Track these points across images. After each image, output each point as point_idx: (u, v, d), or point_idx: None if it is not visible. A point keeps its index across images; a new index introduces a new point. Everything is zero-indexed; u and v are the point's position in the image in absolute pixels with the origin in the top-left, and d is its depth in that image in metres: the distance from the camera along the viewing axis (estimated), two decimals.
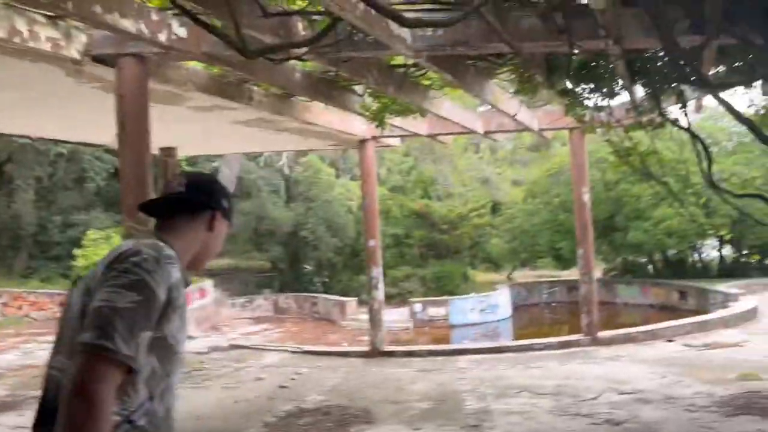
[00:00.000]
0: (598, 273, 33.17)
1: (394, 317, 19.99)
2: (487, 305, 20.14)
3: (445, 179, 25.85)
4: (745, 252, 23.72)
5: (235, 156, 22.37)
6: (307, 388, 8.99)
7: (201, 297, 21.46)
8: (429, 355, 10.93)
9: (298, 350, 11.97)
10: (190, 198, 1.72)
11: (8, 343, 14.60)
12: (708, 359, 9.72)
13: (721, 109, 8.88)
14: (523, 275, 32.43)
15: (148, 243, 1.55)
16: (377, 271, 11.27)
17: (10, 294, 18.82)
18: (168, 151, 11.03)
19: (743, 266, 23.43)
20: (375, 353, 11.17)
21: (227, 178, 21.97)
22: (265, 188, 25.35)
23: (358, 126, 10.41)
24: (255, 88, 7.56)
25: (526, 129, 12.27)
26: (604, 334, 11.56)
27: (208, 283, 22.35)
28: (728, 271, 23.90)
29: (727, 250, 25.32)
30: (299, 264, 27.11)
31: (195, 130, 9.86)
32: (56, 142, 13.59)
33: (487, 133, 11.19)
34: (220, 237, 1.82)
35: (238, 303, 24.07)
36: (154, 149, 11.52)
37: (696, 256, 25.22)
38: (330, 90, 7.52)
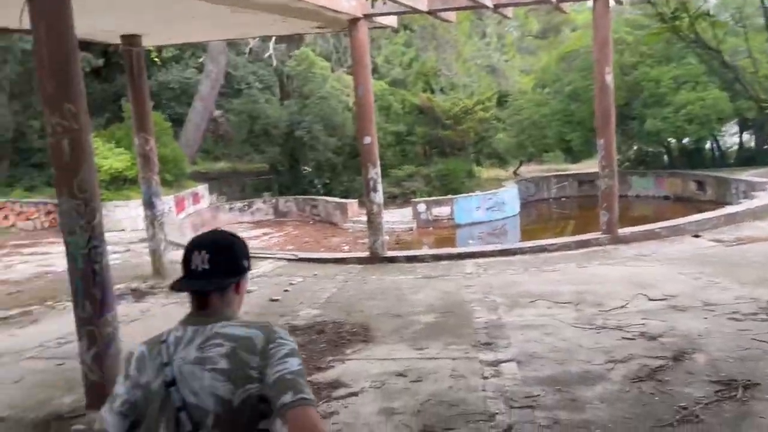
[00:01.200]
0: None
1: (397, 218, 19.14)
2: (493, 203, 19.18)
3: (449, 69, 24.00)
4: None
5: (220, 50, 20.64)
6: (301, 301, 8.19)
7: (195, 203, 20.58)
8: (433, 260, 10.06)
9: (293, 257, 11.14)
10: (219, 280, 1.76)
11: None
12: (743, 256, 8.78)
13: None
14: (530, 170, 31.32)
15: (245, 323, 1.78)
16: (375, 171, 10.17)
17: None
18: (130, 40, 9.60)
19: (765, 153, 22.15)
20: (375, 259, 10.31)
21: (213, 75, 20.39)
22: (257, 85, 23.71)
23: (347, 2, 8.90)
24: None
25: (543, 1, 10.69)
26: (624, 231, 10.62)
27: (201, 188, 21.40)
28: (748, 159, 22.67)
29: (747, 137, 23.92)
30: (298, 165, 25.99)
31: (159, 13, 8.40)
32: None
33: (497, 7, 9.64)
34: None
35: (237, 207, 23.24)
36: (114, 38, 10.14)
37: (713, 144, 23.85)
38: None
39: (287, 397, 1.58)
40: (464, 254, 10.20)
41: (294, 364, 1.66)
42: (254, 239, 18.72)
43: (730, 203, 17.91)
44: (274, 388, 1.62)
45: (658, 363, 4.96)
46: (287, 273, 10.11)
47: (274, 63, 23.88)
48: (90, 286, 4.60)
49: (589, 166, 32.23)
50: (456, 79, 24.63)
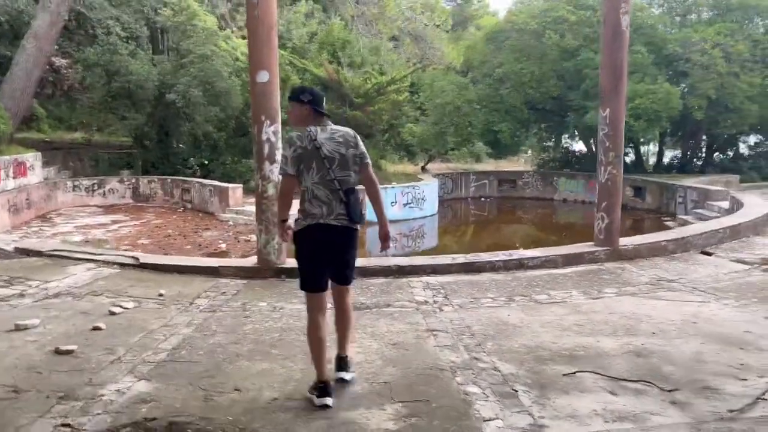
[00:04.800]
0: (526, 165, 29.90)
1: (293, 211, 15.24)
2: (411, 198, 15.85)
3: (368, 27, 20.30)
4: (702, 143, 20.80)
5: None
6: (117, 355, 4.20)
7: (18, 175, 15.34)
8: (360, 274, 6.34)
9: (132, 261, 6.95)
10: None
11: None
12: None
13: None
14: (436, 168, 28.54)
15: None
16: (272, 129, 6.33)
17: None
18: None
19: (689, 163, 20.65)
20: (266, 271, 6.47)
21: (52, 7, 15.26)
22: (118, 31, 18.63)
23: None
24: None
25: None
26: (625, 242, 7.56)
27: (30, 156, 16.09)
28: (667, 168, 21.16)
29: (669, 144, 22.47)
30: (169, 139, 21.20)
31: None
32: None
33: None
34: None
35: (83, 185, 18.15)
36: None
37: (632, 149, 22.15)
38: None
39: (367, 160, 3.60)
40: (407, 269, 6.59)
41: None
42: (96, 228, 14.04)
43: (674, 213, 15.85)
44: (355, 156, 3.55)
45: None
46: (113, 289, 5.98)
47: (145, 9, 18.93)
48: None
49: (502, 166, 30.20)
50: (366, 56, 20.93)
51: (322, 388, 3.39)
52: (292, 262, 6.63)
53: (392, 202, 15.39)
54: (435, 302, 5.64)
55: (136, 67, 17.89)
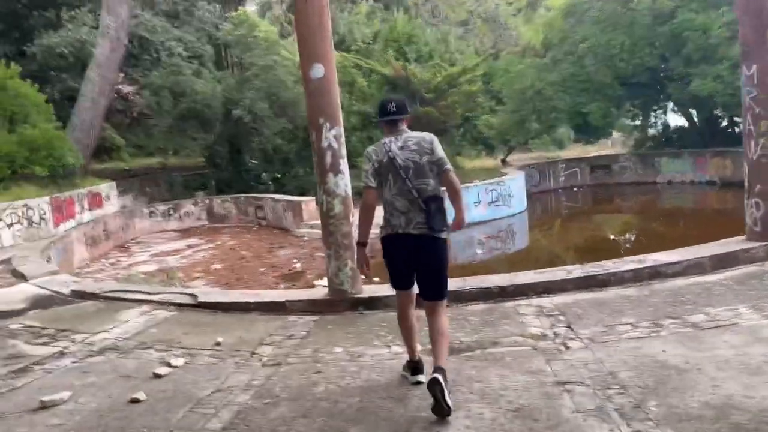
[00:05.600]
0: (615, 148, 27.48)
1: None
2: (497, 195, 14.46)
3: (434, 13, 19.06)
4: None
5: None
6: None
7: (94, 206, 15.21)
8: (453, 299, 5.11)
9: (191, 301, 6.07)
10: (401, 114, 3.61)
11: None
12: None
13: None
14: (517, 159, 26.78)
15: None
16: (333, 133, 5.25)
17: None
18: None
19: None
20: (339, 304, 5.40)
21: (111, 32, 15.05)
22: (181, 52, 18.38)
23: None
24: None
25: None
26: None
27: (105, 187, 15.99)
28: None
29: None
30: (241, 157, 20.83)
31: None
32: None
33: None
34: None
35: (159, 211, 17.98)
36: None
37: (729, 120, 19.50)
38: None
39: (447, 165, 3.44)
40: (512, 289, 5.31)
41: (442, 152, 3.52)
42: (172, 255, 13.59)
43: None
44: (432, 163, 3.43)
45: None
46: (165, 339, 5.09)
47: (206, 26, 18.59)
48: None
49: (589, 151, 27.95)
50: (439, 36, 19.66)
51: (414, 367, 3.66)
52: (369, 291, 5.52)
53: (475, 202, 14.06)
54: (556, 335, 4.35)
55: (201, 86, 17.50)
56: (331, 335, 4.85)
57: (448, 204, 3.49)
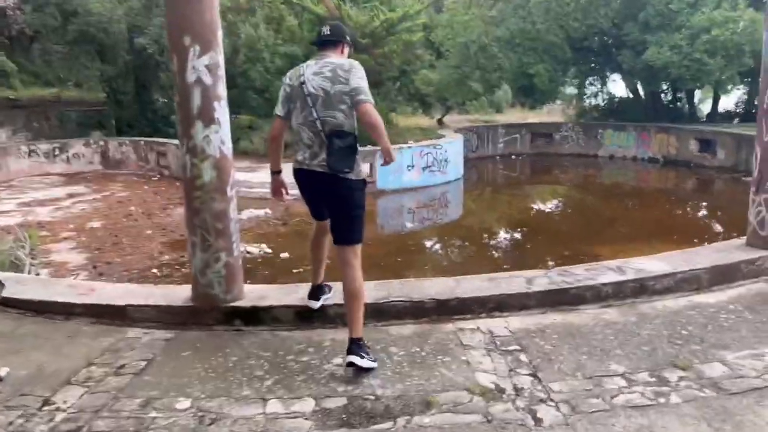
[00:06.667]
0: (560, 115, 26.51)
1: (268, 188, 12.33)
2: (432, 159, 12.97)
3: None
4: None
5: None
6: None
7: None
8: (372, 316, 3.55)
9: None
10: (334, 37, 3.20)
11: None
12: None
13: None
14: (454, 120, 25.40)
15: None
16: (207, 61, 3.44)
17: None
18: None
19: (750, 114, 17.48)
20: (207, 313, 3.71)
21: None
22: None
23: None
24: None
25: None
26: None
27: None
28: (729, 118, 18.00)
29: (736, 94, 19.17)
30: (148, 93, 18.30)
31: None
32: None
33: None
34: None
35: (42, 151, 15.40)
36: None
37: (685, 97, 18.88)
38: None
39: (362, 97, 2.97)
40: (453, 304, 3.78)
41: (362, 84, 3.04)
42: (46, 205, 11.39)
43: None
44: (346, 93, 3.02)
45: None
46: None
47: None
48: None
49: (529, 117, 26.83)
50: None
51: (312, 291, 3.61)
52: (254, 296, 3.86)
53: (408, 166, 12.54)
54: (518, 392, 2.89)
55: (95, 5, 14.81)
56: (181, 371, 3.19)
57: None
